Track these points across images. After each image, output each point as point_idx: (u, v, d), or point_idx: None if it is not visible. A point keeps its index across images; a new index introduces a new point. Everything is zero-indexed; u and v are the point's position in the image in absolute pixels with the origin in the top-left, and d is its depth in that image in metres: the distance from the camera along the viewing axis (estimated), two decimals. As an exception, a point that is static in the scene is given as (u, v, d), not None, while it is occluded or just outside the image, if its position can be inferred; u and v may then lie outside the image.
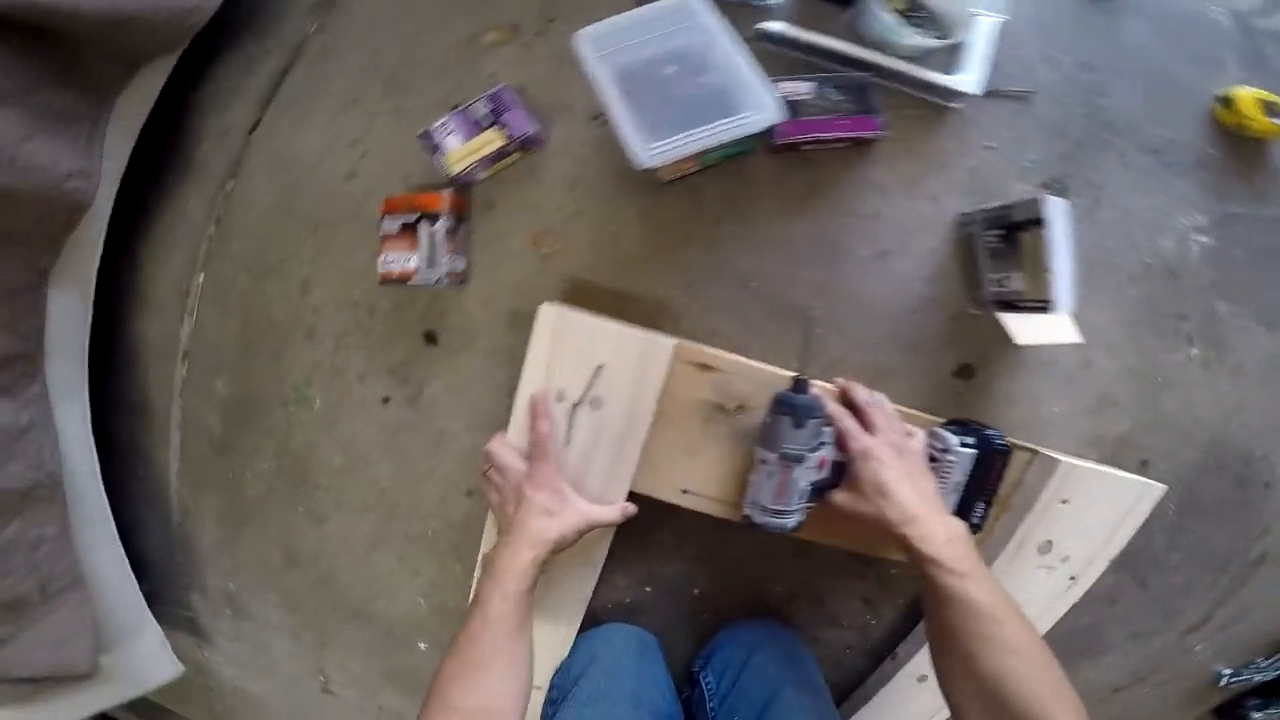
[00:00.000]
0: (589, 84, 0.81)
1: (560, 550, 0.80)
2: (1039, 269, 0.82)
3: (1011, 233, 0.87)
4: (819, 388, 0.87)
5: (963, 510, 0.89)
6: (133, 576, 1.21)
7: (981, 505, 0.90)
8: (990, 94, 0.94)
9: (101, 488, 1.16)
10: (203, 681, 1.42)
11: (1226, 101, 1.01)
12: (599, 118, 1.00)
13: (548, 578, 0.88)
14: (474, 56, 1.05)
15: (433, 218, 0.98)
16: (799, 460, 0.79)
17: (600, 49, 0.83)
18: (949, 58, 0.94)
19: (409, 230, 0.99)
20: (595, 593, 0.95)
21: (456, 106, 1.00)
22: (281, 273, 1.14)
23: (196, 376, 1.22)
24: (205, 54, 1.16)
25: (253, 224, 1.16)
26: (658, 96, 0.83)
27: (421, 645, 1.21)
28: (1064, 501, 0.92)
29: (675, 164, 0.84)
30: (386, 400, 1.11)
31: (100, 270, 1.12)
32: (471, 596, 0.78)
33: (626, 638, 0.99)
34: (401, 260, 0.99)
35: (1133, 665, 1.18)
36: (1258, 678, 1.21)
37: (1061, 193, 0.99)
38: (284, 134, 1.15)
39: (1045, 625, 0.98)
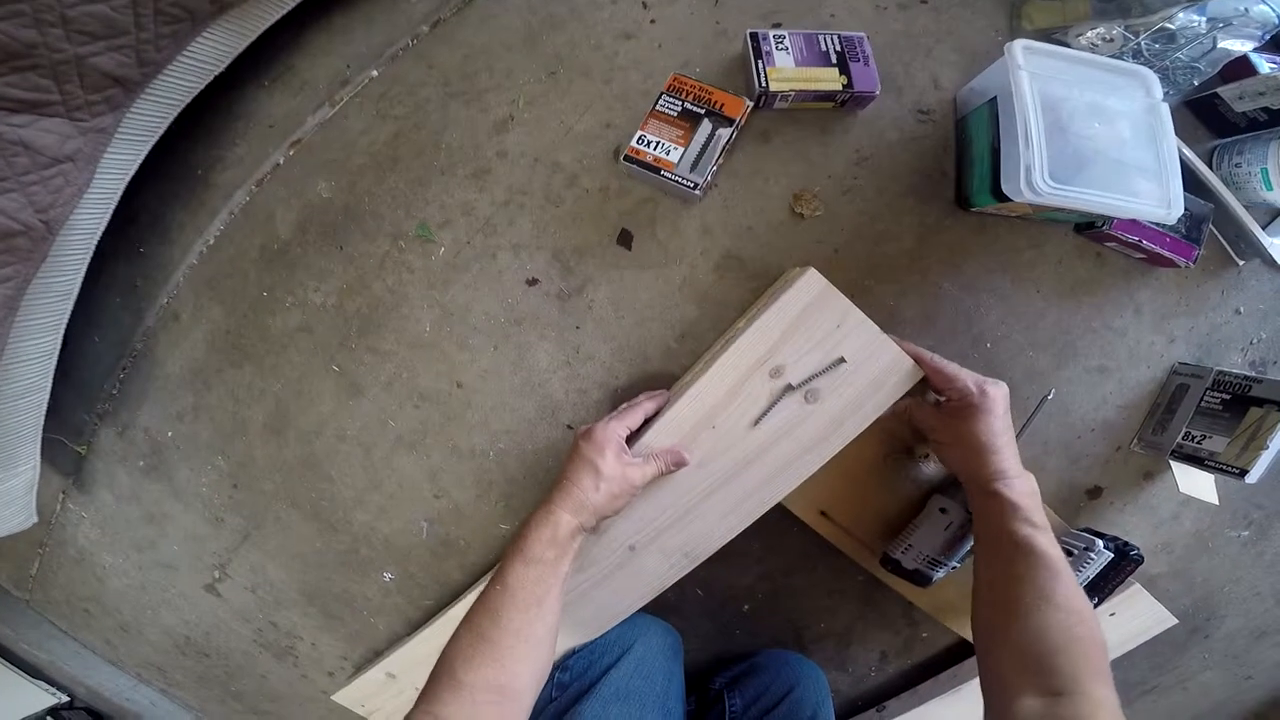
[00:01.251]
0: (973, 88, 0.76)
1: (606, 517, 0.74)
2: (1255, 445, 0.84)
3: (1240, 402, 0.88)
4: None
5: None
6: (48, 392, 0.95)
7: (1096, 600, 0.94)
8: (1274, 267, 0.92)
9: (86, 264, 0.89)
10: (45, 539, 1.21)
11: None
12: (926, 114, 0.88)
13: (631, 557, 0.83)
14: None
15: (725, 122, 0.84)
16: None
17: (1034, 66, 0.73)
18: (1270, 216, 0.91)
19: (687, 120, 0.84)
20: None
21: (778, 24, 0.85)
22: (483, 101, 0.93)
23: (296, 169, 0.98)
24: None
25: (477, 38, 0.94)
26: (1068, 139, 0.74)
27: (387, 576, 1.10)
28: (1111, 614, 1.05)
29: (1013, 205, 0.77)
30: (533, 283, 0.95)
31: None
32: (505, 551, 0.72)
33: (663, 635, 0.95)
34: (665, 147, 0.84)
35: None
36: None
37: (1262, 371, 1.02)
38: None
39: None
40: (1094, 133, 0.73)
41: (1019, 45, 0.73)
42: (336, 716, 1.21)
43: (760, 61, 0.82)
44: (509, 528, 1.04)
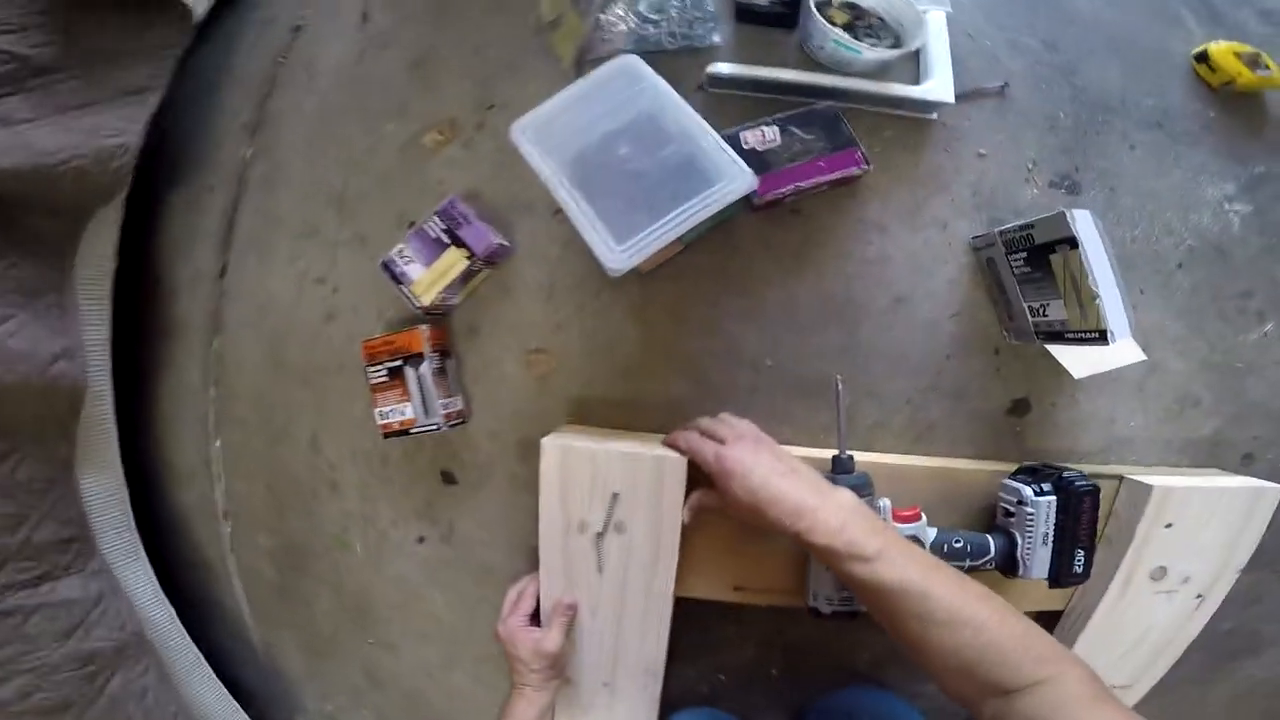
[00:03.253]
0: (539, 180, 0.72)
1: (555, 679, 0.83)
2: (1082, 295, 0.70)
3: (1039, 254, 0.74)
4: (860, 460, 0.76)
5: (1062, 563, 0.76)
6: (238, 706, 1.18)
7: (1081, 553, 0.76)
8: (964, 97, 0.83)
9: (185, 634, 1.13)
10: None
11: (1205, 59, 0.91)
12: (560, 212, 0.90)
13: (611, 692, 0.88)
14: (417, 162, 0.95)
15: (416, 360, 0.88)
16: None
17: (543, 140, 0.72)
18: (910, 67, 0.85)
19: (397, 376, 0.89)
20: (666, 687, 0.87)
21: (413, 224, 0.91)
22: (289, 432, 1.04)
23: (241, 533, 1.14)
24: (155, 196, 1.09)
25: (248, 383, 1.07)
26: (618, 179, 0.73)
27: None
28: (1168, 526, 0.79)
29: (655, 255, 0.74)
30: (422, 539, 1.01)
31: (126, 447, 1.06)
32: None
33: (701, 718, 0.92)
34: (398, 411, 0.89)
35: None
36: None
37: (1073, 189, 0.87)
38: (252, 276, 1.05)
39: (1179, 647, 0.86)
40: (627, 156, 0.72)
41: (516, 129, 0.72)
42: None
43: (403, 286, 0.87)
44: None
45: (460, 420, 0.93)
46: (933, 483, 0.81)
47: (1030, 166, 0.86)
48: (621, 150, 0.74)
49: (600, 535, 0.79)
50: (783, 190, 0.79)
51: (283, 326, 1.04)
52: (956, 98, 0.82)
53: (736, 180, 0.68)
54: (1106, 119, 0.89)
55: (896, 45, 0.82)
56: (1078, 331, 0.72)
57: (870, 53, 0.78)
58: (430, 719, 1.15)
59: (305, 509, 1.07)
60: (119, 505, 1.06)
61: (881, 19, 0.83)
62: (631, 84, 0.74)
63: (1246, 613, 0.95)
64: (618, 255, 0.67)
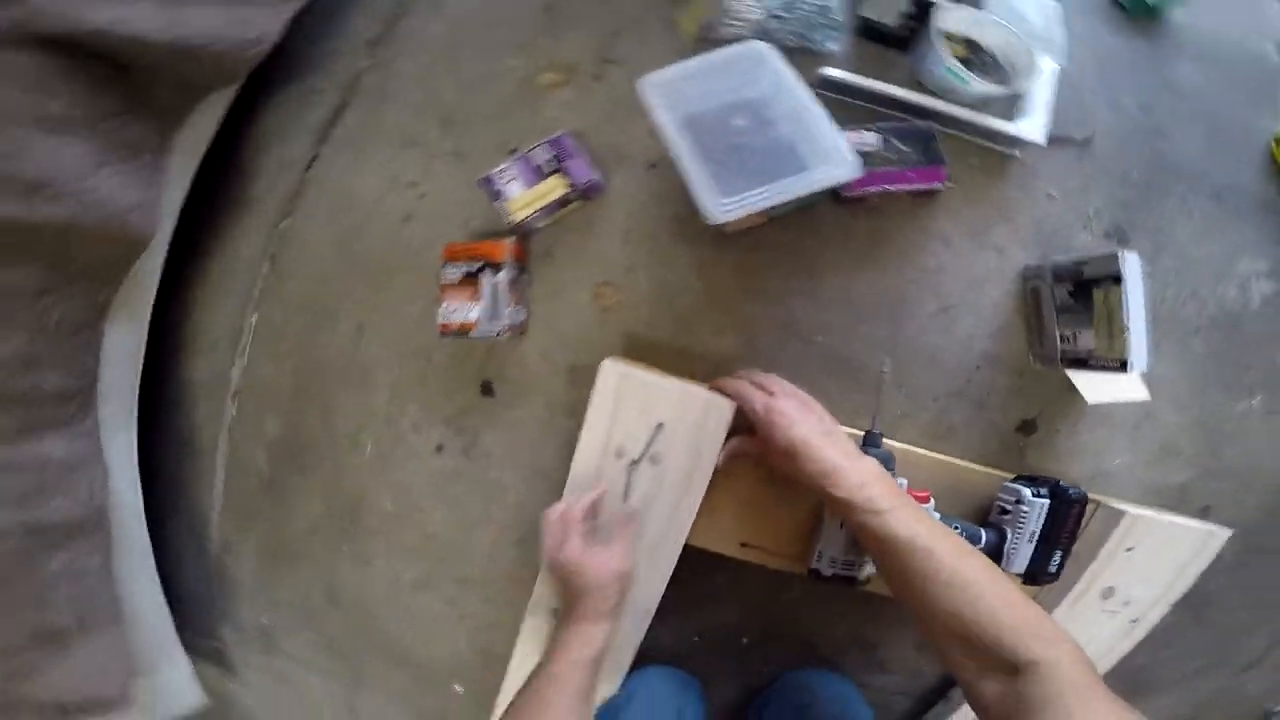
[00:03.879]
0: (654, 132, 0.77)
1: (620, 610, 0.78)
2: (1114, 328, 0.78)
3: (1083, 288, 0.82)
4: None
5: (1041, 560, 0.85)
6: (167, 609, 1.18)
7: (1059, 554, 0.86)
8: (1052, 141, 0.89)
9: (143, 521, 1.13)
10: (223, 711, 1.36)
11: None
12: (656, 165, 0.95)
13: None
14: (531, 98, 1.00)
15: (495, 268, 0.93)
16: None
17: (667, 97, 0.78)
18: (1010, 104, 0.90)
19: (470, 279, 0.94)
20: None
21: (515, 151, 0.96)
22: (335, 317, 1.09)
23: (246, 416, 1.17)
24: (262, 89, 1.13)
25: (307, 265, 1.11)
26: (727, 147, 0.79)
27: (458, 688, 1.16)
28: (1128, 550, 0.88)
29: (743, 218, 0.80)
30: (440, 449, 1.05)
31: (156, 309, 1.09)
32: (541, 660, 0.74)
33: (666, 677, 0.95)
34: (463, 311, 0.94)
35: (1185, 703, 1.13)
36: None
37: (1123, 241, 0.95)
38: (341, 173, 1.10)
39: (1105, 666, 0.95)
40: (743, 128, 0.78)
41: (645, 86, 0.78)
42: None
43: (499, 201, 0.92)
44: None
45: (519, 332, 0.99)
46: (942, 476, 0.89)
47: (1091, 214, 0.93)
48: (736, 121, 0.80)
49: (635, 463, 0.83)
50: (870, 189, 0.86)
51: (359, 220, 1.08)
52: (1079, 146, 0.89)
53: (842, 167, 0.75)
54: (1172, 183, 0.96)
55: (1003, 83, 0.87)
56: (1102, 359, 0.80)
57: (978, 86, 0.84)
58: (375, 643, 1.18)
59: (327, 399, 1.11)
60: (132, 366, 1.08)
61: (995, 57, 0.89)
62: (757, 67, 0.80)
63: (1159, 653, 1.03)
64: (720, 206, 0.73)
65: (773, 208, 0.77)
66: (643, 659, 0.90)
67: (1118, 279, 0.77)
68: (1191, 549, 0.91)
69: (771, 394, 0.76)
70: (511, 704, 0.70)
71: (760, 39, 0.87)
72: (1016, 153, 0.91)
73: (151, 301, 1.08)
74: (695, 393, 0.82)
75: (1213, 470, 1.00)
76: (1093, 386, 0.88)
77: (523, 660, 0.92)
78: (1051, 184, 0.93)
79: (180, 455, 1.23)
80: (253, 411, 1.17)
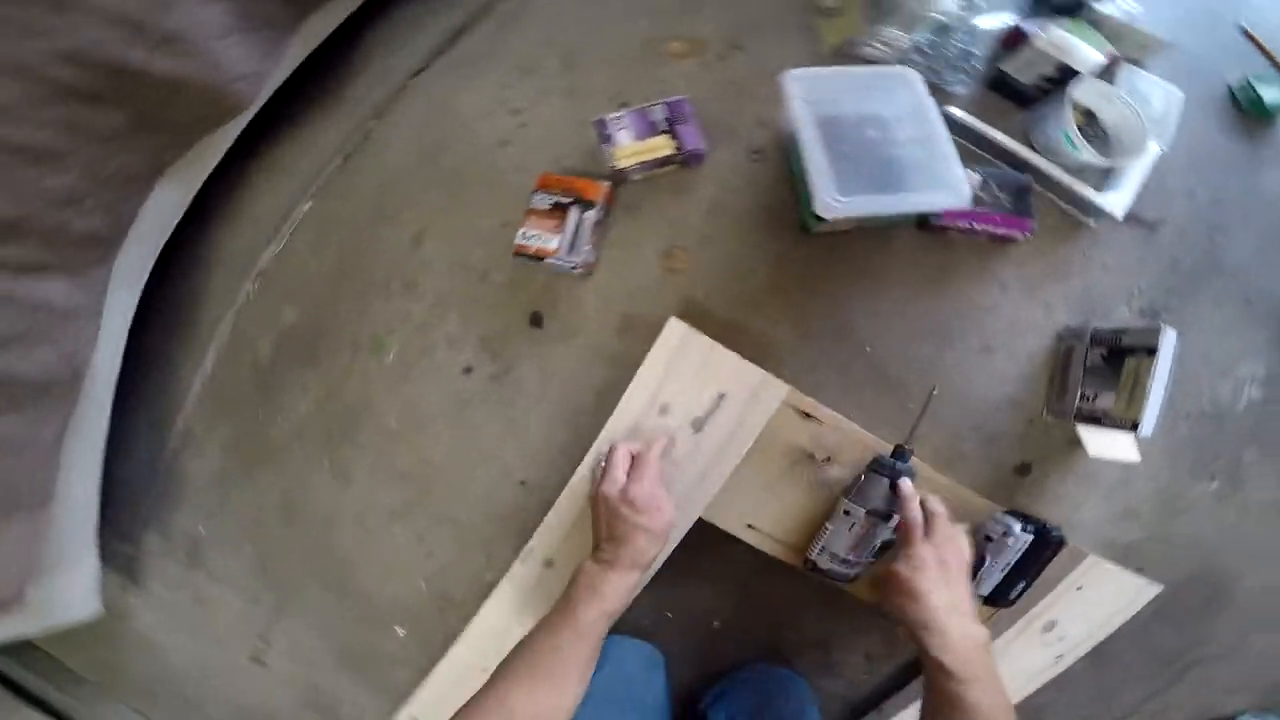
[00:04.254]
0: (763, 121, 0.85)
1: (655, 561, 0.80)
2: (1135, 394, 0.85)
3: (1117, 355, 0.89)
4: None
5: (1005, 587, 0.94)
6: (97, 507, 1.08)
7: (1022, 584, 0.94)
8: (1127, 217, 0.95)
9: (111, 397, 1.05)
10: (114, 629, 1.27)
11: None
12: (759, 153, 0.98)
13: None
14: (654, 59, 1.01)
15: (587, 205, 0.95)
16: (885, 518, 0.83)
17: (806, 92, 0.82)
18: (1103, 175, 0.95)
19: (558, 210, 0.96)
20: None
21: (625, 104, 0.97)
22: (398, 220, 1.08)
23: (263, 300, 1.15)
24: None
25: (383, 166, 1.10)
26: (852, 152, 0.82)
27: (400, 631, 1.16)
28: (1079, 589, 0.99)
29: (839, 219, 0.84)
30: (469, 370, 1.06)
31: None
32: (563, 606, 0.75)
33: (636, 649, 0.98)
34: (543, 238, 0.96)
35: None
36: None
37: (1155, 318, 1.03)
38: (447, 87, 1.09)
39: (1022, 693, 1.04)
40: (876, 139, 0.81)
41: (789, 77, 0.81)
42: None
43: (606, 145, 0.94)
44: (493, 577, 1.06)
45: (586, 272, 1.01)
46: (942, 494, 0.93)
47: (1136, 292, 1.00)
48: (868, 132, 0.83)
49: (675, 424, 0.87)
50: (959, 223, 0.91)
51: (451, 135, 1.07)
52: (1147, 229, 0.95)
53: (956, 197, 0.79)
54: (1215, 278, 1.03)
55: (1108, 156, 0.92)
56: (1115, 420, 0.88)
57: (1086, 155, 0.88)
58: (320, 570, 1.16)
59: (362, 296, 1.09)
60: (164, 226, 1.04)
61: (1107, 130, 0.93)
62: (901, 89, 0.84)
63: (1058, 693, 1.12)
64: (835, 200, 0.78)
65: (871, 216, 0.82)
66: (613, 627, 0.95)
67: (1152, 351, 0.84)
68: (1128, 599, 1.02)
69: (932, 535, 0.79)
70: (530, 648, 0.71)
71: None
72: (1091, 221, 0.97)
73: (210, 170, 1.05)
74: (751, 370, 0.85)
75: (1158, 537, 1.11)
76: (1096, 442, 0.97)
77: (499, 607, 0.95)
78: (1110, 255, 0.99)
79: (171, 328, 1.19)
80: (273, 296, 1.15)
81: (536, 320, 1.04)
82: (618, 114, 0.94)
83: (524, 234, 0.97)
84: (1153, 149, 0.93)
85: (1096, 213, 0.95)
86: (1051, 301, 0.99)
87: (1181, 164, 1.00)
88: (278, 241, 1.14)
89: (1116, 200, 0.92)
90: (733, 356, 0.86)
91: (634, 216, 1.01)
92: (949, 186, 0.80)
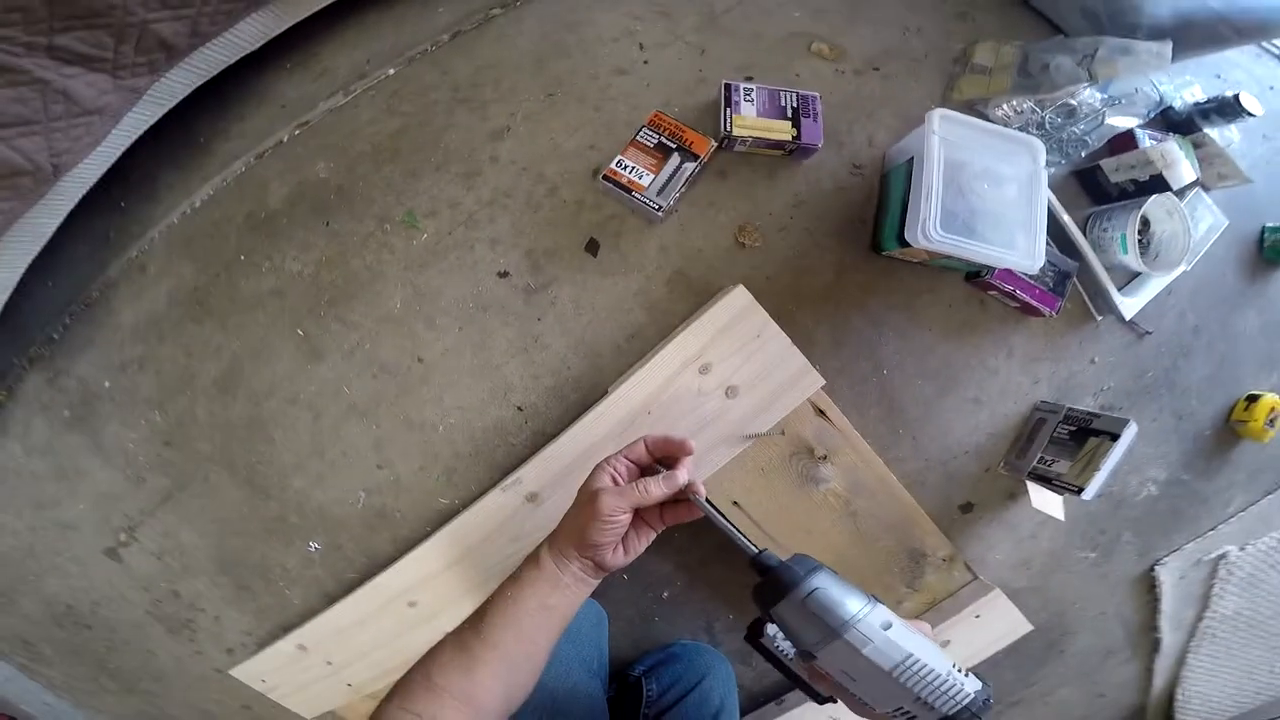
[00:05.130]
0: (873, 141, 0.93)
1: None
2: (1090, 467, 0.99)
3: (1083, 434, 1.03)
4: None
5: None
6: None
7: None
8: (1130, 325, 1.09)
9: (69, 210, 0.93)
10: None
11: (1251, 399, 1.18)
12: (860, 169, 1.02)
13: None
14: (792, 50, 1.03)
15: (690, 156, 0.96)
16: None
17: (947, 132, 0.87)
18: (1128, 277, 1.07)
19: (661, 151, 0.96)
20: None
21: (750, 77, 0.98)
22: (484, 110, 1.03)
23: (299, 148, 1.05)
24: None
25: (492, 53, 1.04)
26: (959, 195, 0.88)
27: (313, 546, 1.08)
28: (977, 616, 1.11)
29: (918, 250, 0.90)
30: (505, 275, 1.03)
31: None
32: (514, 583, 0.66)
33: (587, 605, 0.90)
34: (638, 173, 0.96)
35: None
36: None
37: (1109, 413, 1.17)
38: (585, 1, 1.05)
39: None
40: (985, 193, 0.87)
41: (937, 113, 0.86)
42: (224, 699, 1.19)
43: (729, 109, 0.95)
44: (448, 502, 1.08)
45: (660, 218, 1.01)
46: (900, 509, 1.04)
47: (1104, 389, 1.14)
48: (983, 185, 0.88)
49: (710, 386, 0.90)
50: (1003, 284, 1.00)
51: (574, 45, 1.04)
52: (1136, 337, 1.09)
53: (1029, 261, 0.87)
54: (1165, 394, 1.18)
55: (1145, 264, 1.01)
56: (1066, 482, 1.02)
57: (1131, 259, 0.98)
58: (239, 458, 1.07)
59: (415, 171, 1.04)
60: (234, 54, 0.94)
61: (1152, 241, 1.03)
62: (1025, 155, 0.90)
63: None
64: (930, 233, 0.84)
65: (944, 256, 0.88)
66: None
67: (1115, 437, 0.98)
68: (1008, 631, 1.16)
69: None
70: (464, 625, 0.65)
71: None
72: (1099, 317, 1.09)
73: (310, 13, 0.97)
74: (798, 356, 0.90)
75: (1037, 587, 1.30)
76: (1038, 496, 1.11)
77: (456, 536, 0.94)
78: (1099, 352, 1.12)
79: (173, 153, 1.07)
80: (310, 147, 1.06)
81: (593, 247, 1.04)
82: (750, 86, 0.94)
83: (620, 162, 0.97)
84: (1182, 268, 1.05)
85: (1110, 310, 1.07)
86: (1040, 378, 1.12)
87: (1189, 286, 1.13)
88: (342, 97, 1.05)
89: (1131, 304, 1.05)
90: (785, 339, 0.90)
91: (722, 182, 1.02)
92: (1027, 253, 0.87)
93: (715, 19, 1.04)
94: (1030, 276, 1.00)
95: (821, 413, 0.97)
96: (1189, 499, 1.23)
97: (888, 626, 0.57)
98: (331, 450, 1.06)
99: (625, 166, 0.96)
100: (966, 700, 0.54)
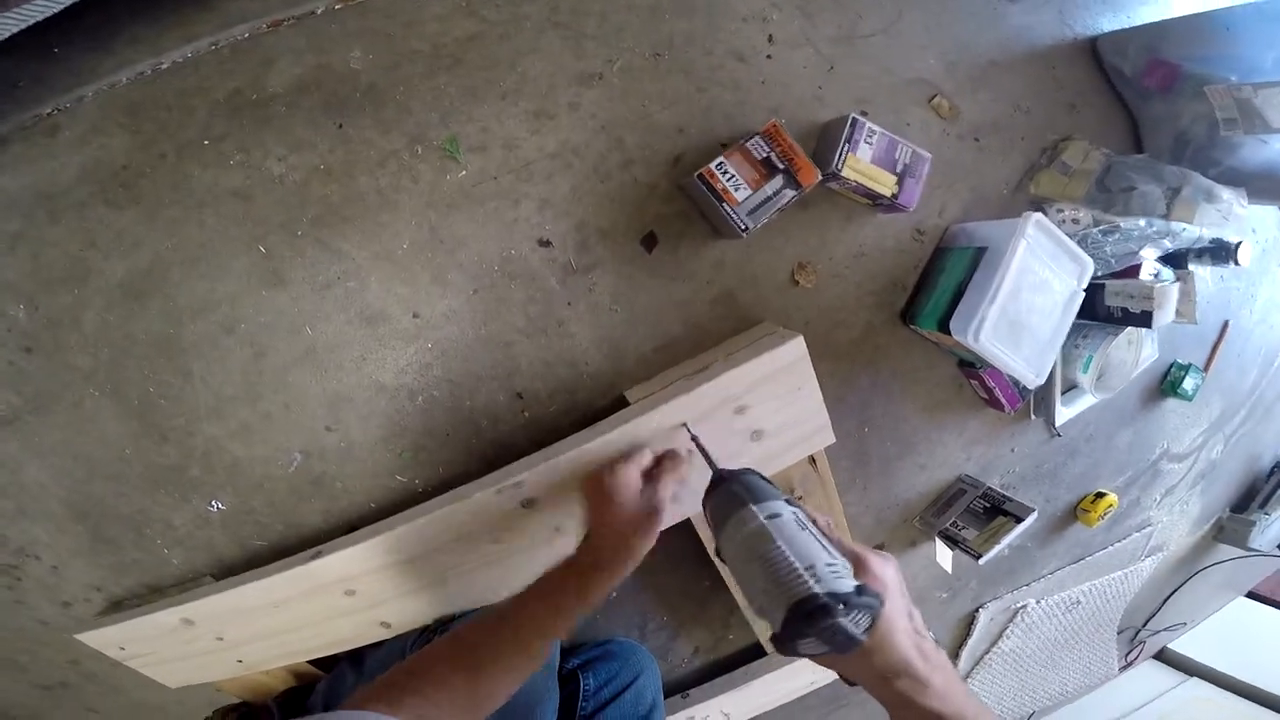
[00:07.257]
0: (943, 211, 0.95)
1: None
2: (992, 540, 1.14)
3: (993, 511, 1.17)
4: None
5: None
6: None
7: None
8: (1055, 426, 1.22)
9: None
10: None
11: (1099, 496, 1.36)
12: (922, 234, 1.03)
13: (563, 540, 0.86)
14: (912, 95, 0.98)
15: (795, 185, 0.87)
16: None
17: (1035, 240, 0.89)
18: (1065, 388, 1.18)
19: (766, 168, 0.87)
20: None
21: (865, 111, 0.94)
22: (580, 48, 0.86)
23: (335, 27, 0.80)
24: None
25: (616, 23, 0.88)
26: (1011, 300, 0.90)
27: (215, 504, 0.91)
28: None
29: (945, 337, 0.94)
30: (545, 244, 0.89)
31: None
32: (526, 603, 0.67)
33: None
34: (736, 182, 0.86)
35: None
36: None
37: (1010, 493, 1.32)
38: None
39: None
40: (1032, 304, 0.90)
41: (1033, 218, 0.87)
42: (42, 651, 0.99)
43: (847, 145, 0.88)
44: (406, 480, 0.94)
45: (745, 237, 0.91)
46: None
47: (1011, 472, 1.28)
48: (1035, 296, 0.91)
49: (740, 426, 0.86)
50: (986, 379, 1.09)
51: (701, 5, 0.91)
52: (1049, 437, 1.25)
53: (1035, 375, 0.94)
54: (1048, 483, 1.33)
55: (1097, 388, 1.13)
56: (969, 546, 1.16)
57: (1085, 380, 1.09)
58: (125, 382, 0.86)
59: (473, 91, 0.85)
60: None
61: (1107, 365, 1.14)
62: (1074, 275, 0.94)
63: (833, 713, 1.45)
64: (982, 337, 0.88)
65: (968, 350, 0.92)
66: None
67: (1019, 520, 1.14)
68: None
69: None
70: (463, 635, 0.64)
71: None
72: (1034, 417, 1.23)
73: None
74: (823, 414, 0.89)
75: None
76: (942, 554, 1.26)
77: (439, 523, 0.83)
78: (1020, 444, 1.26)
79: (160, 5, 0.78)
80: (345, 28, 0.82)
81: (649, 241, 0.94)
82: (874, 127, 0.88)
83: (721, 165, 0.86)
84: (1114, 392, 1.18)
85: (1045, 414, 1.21)
86: (973, 456, 1.24)
87: (1102, 404, 1.28)
88: (409, 28, 0.82)
89: (1065, 414, 1.19)
90: (819, 396, 0.89)
91: (802, 213, 0.97)
92: (1037, 369, 0.94)
93: (854, 38, 0.96)
94: (1013, 380, 1.09)
95: (812, 461, 0.99)
96: (1024, 560, 1.45)
97: (774, 516, 0.55)
98: (270, 399, 0.87)
99: (725, 172, 0.85)
100: (819, 588, 0.46)
